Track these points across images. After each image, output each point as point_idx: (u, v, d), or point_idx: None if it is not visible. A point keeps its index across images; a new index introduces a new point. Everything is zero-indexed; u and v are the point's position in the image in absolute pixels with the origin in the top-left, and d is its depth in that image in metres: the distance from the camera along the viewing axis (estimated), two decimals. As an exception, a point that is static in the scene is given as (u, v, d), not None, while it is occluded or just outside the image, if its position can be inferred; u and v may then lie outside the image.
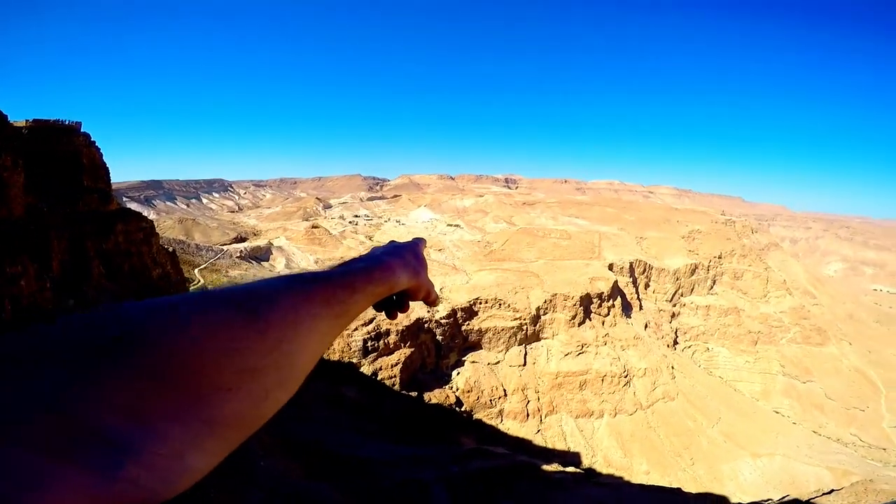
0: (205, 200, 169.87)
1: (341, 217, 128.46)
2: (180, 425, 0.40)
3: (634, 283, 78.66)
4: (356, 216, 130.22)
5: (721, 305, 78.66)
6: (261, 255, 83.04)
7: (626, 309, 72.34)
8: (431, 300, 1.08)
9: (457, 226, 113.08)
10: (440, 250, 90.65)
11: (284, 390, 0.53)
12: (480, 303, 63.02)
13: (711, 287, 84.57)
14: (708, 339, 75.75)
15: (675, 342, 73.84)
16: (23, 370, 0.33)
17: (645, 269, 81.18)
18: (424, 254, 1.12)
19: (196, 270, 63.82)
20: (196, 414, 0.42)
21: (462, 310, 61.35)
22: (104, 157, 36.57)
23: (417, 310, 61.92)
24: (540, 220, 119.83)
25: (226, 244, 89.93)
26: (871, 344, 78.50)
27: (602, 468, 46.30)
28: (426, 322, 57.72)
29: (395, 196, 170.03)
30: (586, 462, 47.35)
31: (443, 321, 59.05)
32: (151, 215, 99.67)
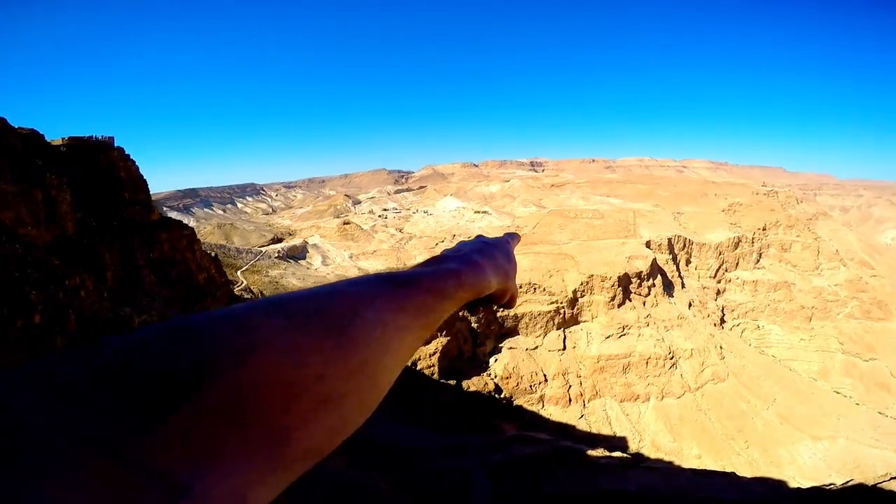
0: (239, 205, 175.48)
1: (370, 211, 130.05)
2: (246, 464, 0.34)
3: (674, 259, 76.08)
4: (385, 210, 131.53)
5: (770, 280, 74.97)
6: (298, 254, 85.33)
7: (668, 287, 70.10)
8: (513, 304, 0.96)
9: (485, 212, 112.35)
10: (470, 237, 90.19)
11: (362, 414, 0.47)
12: (515, 288, 62.50)
13: (758, 261, 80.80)
14: (758, 317, 72.46)
15: (723, 321, 71.03)
16: (82, 403, 0.29)
17: (685, 245, 78.36)
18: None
19: (238, 272, 66.36)
20: (266, 452, 0.36)
21: (497, 297, 61.04)
22: (140, 170, 38.18)
23: (452, 299, 62.06)
24: (570, 201, 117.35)
25: (263, 246, 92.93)
26: (940, 317, 72.85)
27: (650, 453, 45.20)
28: (461, 310, 57.71)
29: (421, 187, 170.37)
30: (633, 447, 46.30)
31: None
32: (191, 222, 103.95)
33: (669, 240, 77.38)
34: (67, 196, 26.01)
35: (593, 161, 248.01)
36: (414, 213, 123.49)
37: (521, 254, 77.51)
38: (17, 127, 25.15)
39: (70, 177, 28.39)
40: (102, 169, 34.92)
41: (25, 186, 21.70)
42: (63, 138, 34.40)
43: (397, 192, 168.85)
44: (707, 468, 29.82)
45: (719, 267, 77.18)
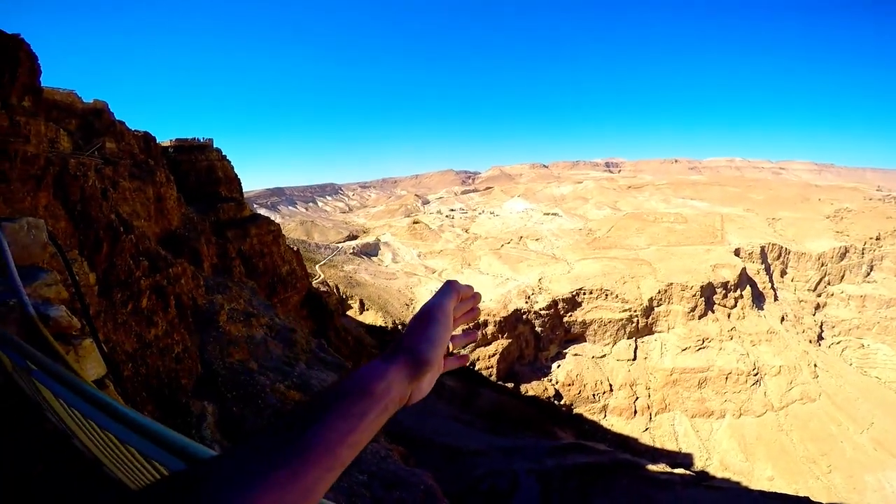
0: (320, 203, 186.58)
1: (438, 211, 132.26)
2: None
3: (767, 270, 69.31)
4: (452, 210, 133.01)
5: (881, 295, 65.69)
6: (370, 251, 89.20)
7: (758, 300, 64.06)
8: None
9: (554, 214, 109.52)
10: (537, 240, 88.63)
11: None
12: (584, 293, 60.47)
13: (868, 274, 71.10)
14: (863, 335, 64.00)
15: (820, 337, 63.69)
16: None
17: (780, 255, 70.99)
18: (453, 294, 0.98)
19: (317, 266, 70.91)
20: None
21: (563, 300, 59.45)
22: (234, 169, 41.72)
23: (514, 300, 61.52)
24: (649, 203, 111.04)
25: (340, 242, 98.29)
26: None
27: (717, 472, 43.11)
28: (525, 313, 57.03)
29: (488, 188, 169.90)
30: (699, 464, 44.31)
31: (542, 312, 57.84)
32: (277, 219, 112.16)
33: (762, 248, 70.58)
34: (174, 192, 29.46)
35: (676, 161, 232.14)
36: (479, 213, 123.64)
37: (592, 258, 74.65)
38: (133, 129, 28.82)
39: (175, 174, 32.08)
40: (203, 168, 39.08)
41: (140, 183, 24.89)
42: (171, 140, 38.67)
43: (464, 192, 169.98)
44: (778, 491, 27.48)
45: (820, 279, 68.99)
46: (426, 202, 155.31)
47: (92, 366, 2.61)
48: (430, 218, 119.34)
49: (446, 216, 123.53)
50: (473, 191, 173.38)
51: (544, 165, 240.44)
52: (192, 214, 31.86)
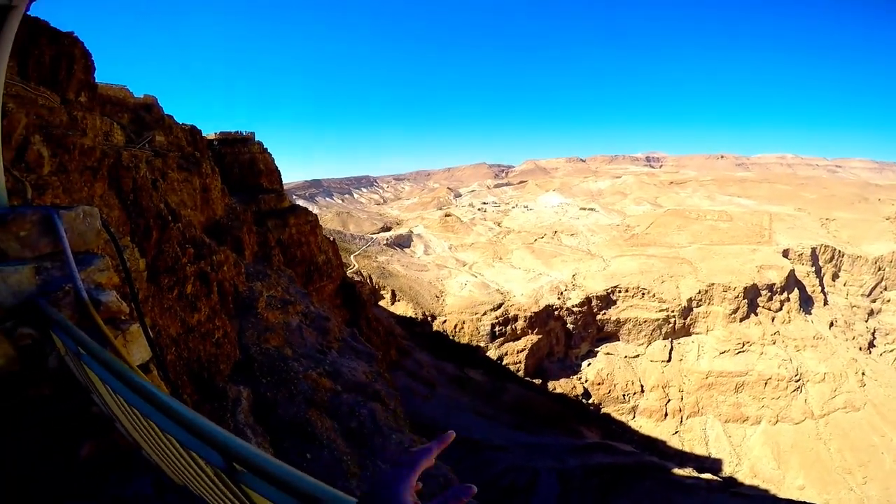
0: (356, 195, 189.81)
1: (470, 205, 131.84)
2: None
3: (818, 272, 65.46)
4: (484, 203, 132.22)
5: (946, 303, 61.14)
6: (403, 242, 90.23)
7: (806, 303, 60.69)
8: None
9: (591, 209, 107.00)
10: (572, 235, 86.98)
11: None
12: (619, 291, 59.03)
13: (931, 280, 66.06)
14: (921, 344, 59.92)
15: (872, 345, 59.90)
16: None
17: (833, 257, 66.84)
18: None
19: (352, 256, 72.42)
20: None
21: (598, 298, 58.23)
22: (275, 161, 42.90)
23: (546, 296, 60.68)
24: (692, 200, 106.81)
25: (374, 233, 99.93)
26: None
27: (746, 478, 42.02)
28: (556, 309, 56.22)
29: (522, 182, 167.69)
30: (728, 470, 43.33)
31: (575, 309, 56.87)
32: (315, 210, 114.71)
33: (813, 249, 66.68)
34: (218, 183, 30.63)
35: (721, 157, 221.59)
36: (513, 207, 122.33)
37: (629, 255, 72.57)
38: (181, 123, 30.10)
39: (220, 166, 33.34)
40: (245, 160, 40.46)
41: (187, 174, 26.02)
42: (215, 133, 40.16)
43: (497, 186, 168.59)
44: (808, 501, 26.39)
45: (876, 284, 64.55)
46: (458, 195, 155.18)
47: (138, 350, 2.74)
48: (461, 211, 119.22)
49: (478, 209, 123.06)
50: (507, 184, 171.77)
51: (581, 159, 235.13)
52: (234, 204, 33.06)
